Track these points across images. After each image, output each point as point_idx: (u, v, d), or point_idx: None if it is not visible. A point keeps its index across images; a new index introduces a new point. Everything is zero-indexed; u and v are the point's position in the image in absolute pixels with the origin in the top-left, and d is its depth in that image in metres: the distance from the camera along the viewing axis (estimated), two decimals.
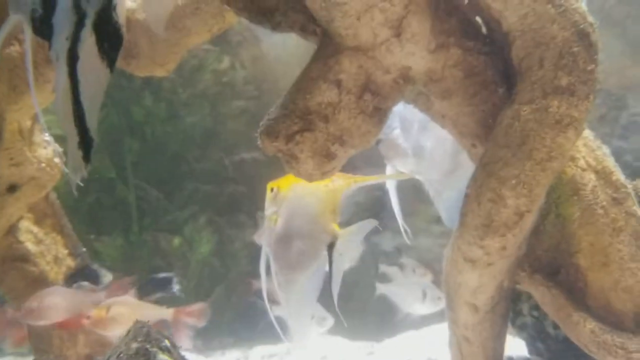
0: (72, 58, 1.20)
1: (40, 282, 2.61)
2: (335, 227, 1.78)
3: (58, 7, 1.21)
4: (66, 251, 2.81)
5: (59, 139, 2.71)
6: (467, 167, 1.72)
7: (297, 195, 1.78)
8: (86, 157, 1.21)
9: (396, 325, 4.07)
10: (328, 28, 1.44)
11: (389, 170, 2.07)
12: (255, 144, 1.50)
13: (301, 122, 1.44)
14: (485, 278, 1.56)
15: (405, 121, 1.97)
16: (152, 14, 1.31)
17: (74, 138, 1.21)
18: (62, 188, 2.77)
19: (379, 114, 1.50)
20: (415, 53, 1.46)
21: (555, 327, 1.95)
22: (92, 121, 1.21)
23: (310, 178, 1.50)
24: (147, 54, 2.20)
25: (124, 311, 2.53)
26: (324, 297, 1.77)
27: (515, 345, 2.15)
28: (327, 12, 1.39)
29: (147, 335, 1.64)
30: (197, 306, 2.65)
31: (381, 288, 3.89)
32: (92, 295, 2.55)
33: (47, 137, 2.56)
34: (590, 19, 1.44)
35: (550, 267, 1.62)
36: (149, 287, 2.70)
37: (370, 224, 1.77)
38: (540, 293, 1.62)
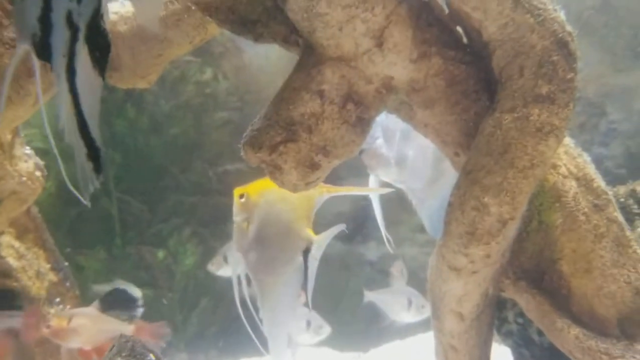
0: (70, 73, 1.22)
1: (22, 297, 2.57)
2: (310, 232, 1.80)
3: (54, 26, 1.21)
4: (48, 266, 2.78)
5: (40, 152, 2.69)
6: (450, 175, 1.73)
7: (269, 201, 1.79)
8: (97, 168, 1.23)
9: (382, 334, 4.07)
10: (310, 39, 1.44)
11: (371, 179, 2.07)
12: (239, 155, 1.50)
13: (284, 133, 1.44)
14: (470, 286, 1.57)
15: (388, 130, 1.98)
16: (145, 12, 1.32)
17: (82, 151, 1.23)
18: (44, 202, 2.74)
19: (362, 124, 1.51)
20: (397, 63, 1.47)
21: (540, 333, 1.96)
22: (95, 131, 1.23)
23: (294, 189, 1.50)
24: (129, 66, 2.19)
25: (85, 323, 2.52)
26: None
27: (501, 352, 2.15)
28: (309, 22, 1.40)
29: (131, 350, 1.62)
30: (158, 325, 2.64)
31: (369, 295, 3.89)
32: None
33: (27, 150, 2.54)
34: (569, 28, 1.46)
35: (534, 274, 1.63)
36: (112, 301, 2.69)
37: (338, 228, 1.79)
38: (525, 300, 1.63)
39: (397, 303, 3.73)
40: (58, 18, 1.20)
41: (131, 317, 2.66)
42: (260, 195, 1.80)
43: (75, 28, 1.21)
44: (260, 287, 1.82)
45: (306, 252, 1.78)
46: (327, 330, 3.60)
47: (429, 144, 1.70)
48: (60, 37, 1.21)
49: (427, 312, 3.59)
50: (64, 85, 1.21)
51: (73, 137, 1.22)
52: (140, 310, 2.69)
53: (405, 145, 1.96)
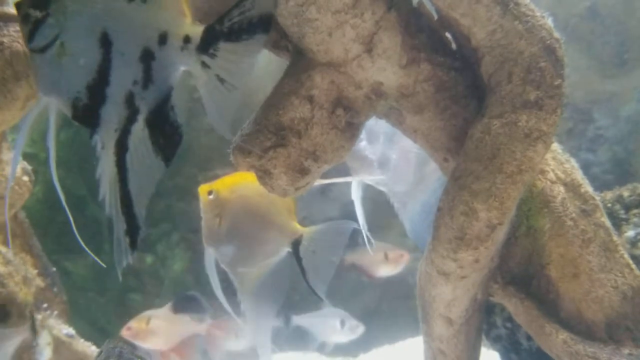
0: (121, 149, 1.26)
1: (9, 303, 2.55)
2: (296, 225, 1.80)
3: (108, 99, 1.25)
4: (35, 271, 2.75)
5: (28, 157, 2.67)
6: (432, 179, 1.73)
7: (243, 196, 1.80)
8: (132, 244, 1.27)
9: (371, 338, 4.07)
10: (300, 44, 1.45)
11: (355, 182, 2.08)
12: (228, 160, 1.49)
13: (274, 138, 1.44)
14: (459, 291, 1.57)
15: (372, 133, 1.99)
16: (218, 116, 1.37)
17: (120, 225, 1.27)
18: (31, 207, 2.73)
19: (352, 129, 1.51)
20: (387, 68, 1.48)
21: (529, 338, 1.96)
22: (140, 209, 1.27)
23: (284, 193, 1.50)
24: None
25: (162, 324, 2.63)
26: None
27: (489, 356, 2.16)
28: (299, 28, 1.40)
29: (119, 356, 1.62)
30: (228, 320, 2.78)
31: (297, 320, 3.81)
32: None
33: None
34: (557, 35, 1.47)
35: (523, 278, 1.64)
36: (183, 304, 2.85)
37: (347, 224, 1.80)
38: (513, 305, 1.63)
39: (328, 325, 3.75)
40: (115, 94, 1.24)
41: (202, 319, 2.79)
42: (232, 191, 1.82)
43: (135, 110, 1.26)
44: (240, 280, 1.83)
45: (296, 244, 1.79)
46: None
47: (412, 148, 1.71)
48: (113, 112, 1.25)
49: (360, 331, 3.69)
50: (110, 158, 1.26)
51: (113, 209, 1.26)
52: (209, 313, 2.83)
53: (389, 148, 1.97)
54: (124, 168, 1.26)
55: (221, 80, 1.28)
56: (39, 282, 2.74)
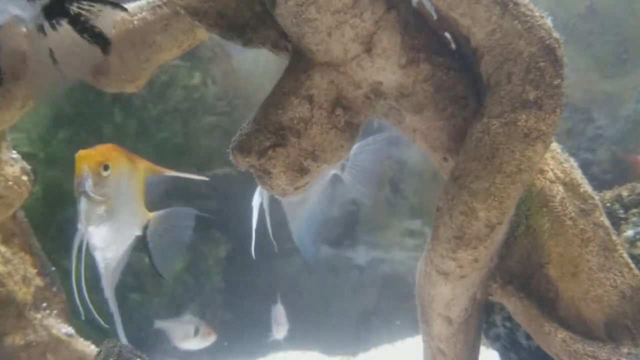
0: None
1: (8, 302, 2.55)
2: (145, 210, 1.80)
3: None
4: (35, 271, 2.75)
5: (27, 157, 2.67)
6: (316, 191, 1.76)
7: (122, 175, 1.77)
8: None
9: (371, 338, 4.07)
10: (299, 44, 1.45)
11: (257, 191, 2.08)
12: (227, 160, 1.50)
13: (273, 137, 1.44)
14: (459, 290, 1.57)
15: None
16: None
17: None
18: (30, 206, 2.72)
19: (351, 129, 1.51)
20: (386, 68, 1.48)
21: (528, 337, 1.97)
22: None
23: (283, 193, 1.51)
24: (117, 70, 2.18)
25: None
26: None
27: (489, 356, 2.16)
28: (298, 28, 1.40)
29: (119, 355, 1.62)
30: None
31: (158, 324, 3.86)
32: None
33: (14, 155, 2.52)
34: (556, 34, 1.47)
35: (522, 278, 1.64)
36: None
37: (190, 210, 1.81)
38: (513, 304, 1.64)
39: (183, 331, 3.78)
40: None
41: None
42: (120, 168, 1.77)
43: None
44: (105, 264, 1.82)
45: (145, 228, 1.79)
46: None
47: None
48: None
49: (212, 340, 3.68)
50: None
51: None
52: None
53: None
54: None
55: (54, 60, 1.24)
56: (38, 281, 2.74)
